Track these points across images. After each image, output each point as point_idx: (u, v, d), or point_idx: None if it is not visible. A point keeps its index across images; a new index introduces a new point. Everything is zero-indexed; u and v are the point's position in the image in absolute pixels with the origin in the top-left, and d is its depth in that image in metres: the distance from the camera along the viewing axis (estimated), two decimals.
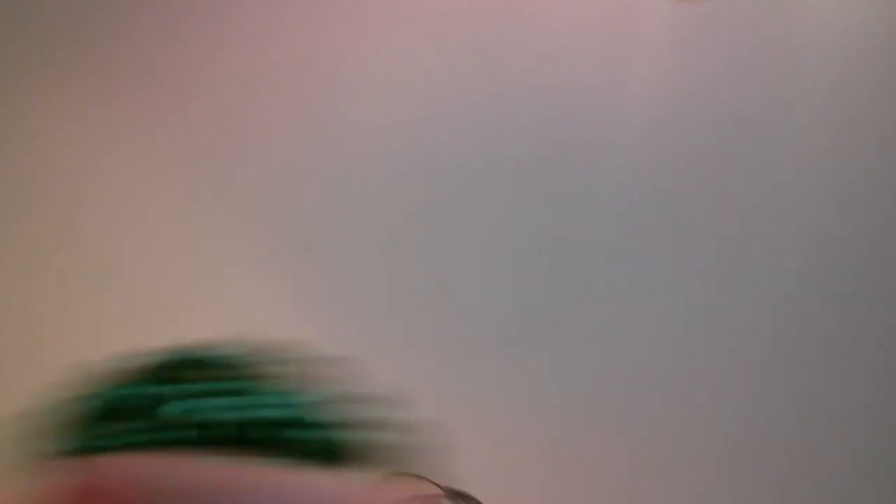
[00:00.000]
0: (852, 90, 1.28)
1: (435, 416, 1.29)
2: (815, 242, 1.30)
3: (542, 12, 1.23)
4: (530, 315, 1.25)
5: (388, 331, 1.24)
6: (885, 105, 1.29)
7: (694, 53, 1.25)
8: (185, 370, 0.40)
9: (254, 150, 1.21)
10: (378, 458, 0.39)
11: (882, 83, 1.29)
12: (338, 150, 1.22)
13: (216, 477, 0.35)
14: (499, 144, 1.23)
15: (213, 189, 1.21)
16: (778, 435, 1.21)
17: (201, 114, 1.20)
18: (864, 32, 1.28)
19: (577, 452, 1.29)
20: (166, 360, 0.40)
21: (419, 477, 0.38)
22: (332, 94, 1.22)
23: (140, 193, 1.20)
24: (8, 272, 1.20)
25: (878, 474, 1.19)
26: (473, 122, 1.23)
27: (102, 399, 0.40)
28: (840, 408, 1.21)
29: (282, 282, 1.22)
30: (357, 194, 1.22)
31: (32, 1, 1.19)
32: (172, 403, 0.38)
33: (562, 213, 1.19)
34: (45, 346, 1.20)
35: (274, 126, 1.21)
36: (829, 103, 1.28)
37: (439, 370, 1.25)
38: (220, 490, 0.34)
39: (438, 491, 0.35)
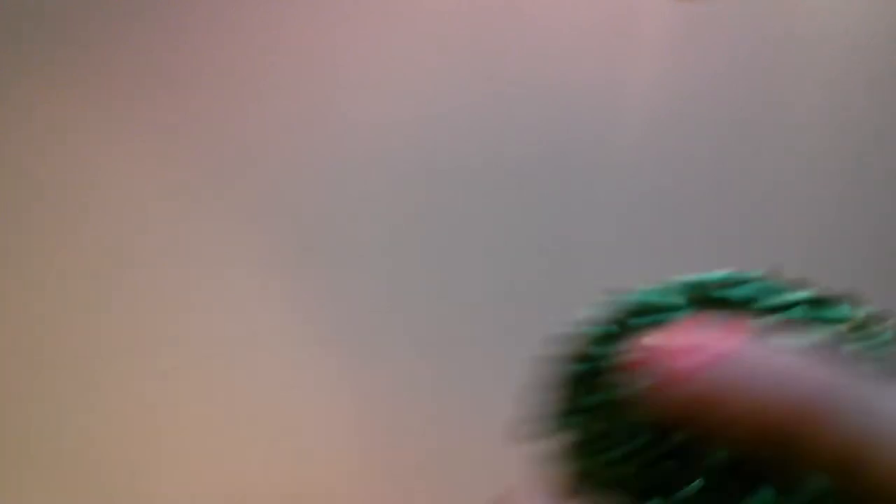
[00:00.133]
0: (852, 90, 1.28)
1: (434, 417, 1.29)
2: (815, 242, 1.30)
3: (542, 12, 1.23)
4: (530, 315, 1.25)
5: (388, 331, 1.24)
6: (885, 105, 1.29)
7: (694, 53, 1.25)
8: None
9: (254, 150, 1.21)
10: None
11: (882, 83, 1.29)
12: (338, 150, 1.22)
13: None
14: (499, 144, 1.23)
15: (213, 189, 1.21)
16: None
17: (201, 114, 1.20)
18: (864, 32, 1.28)
19: None
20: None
21: None
22: (332, 94, 1.22)
23: (139, 193, 1.20)
24: (8, 272, 1.20)
25: None
26: (473, 122, 1.23)
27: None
28: None
29: (282, 282, 1.22)
30: (357, 194, 1.22)
31: (32, 1, 1.19)
32: None
33: (562, 213, 1.19)
34: (45, 346, 1.20)
35: (274, 126, 1.21)
36: (829, 103, 1.28)
37: (439, 370, 1.25)
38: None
39: None
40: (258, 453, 1.23)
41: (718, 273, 0.32)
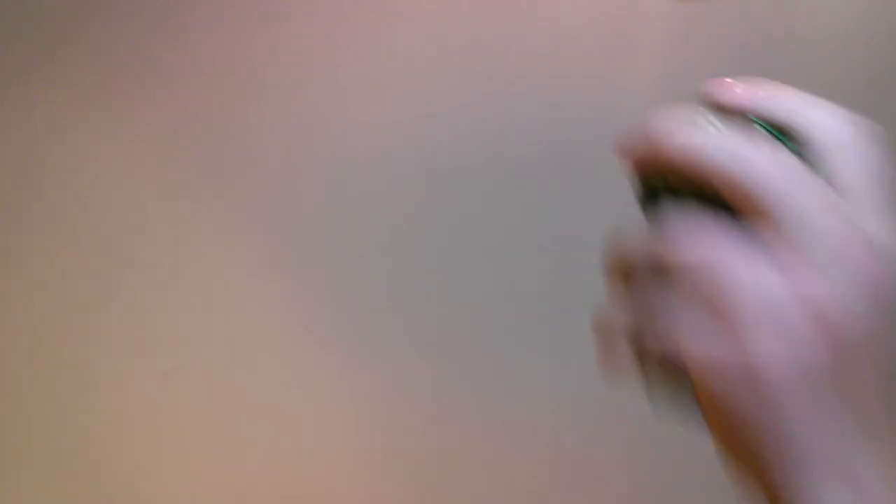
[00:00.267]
0: (852, 90, 1.28)
1: (433, 417, 1.29)
2: None
3: (542, 12, 1.23)
4: (530, 315, 1.26)
5: (388, 331, 1.24)
6: (885, 105, 1.29)
7: (694, 53, 1.25)
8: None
9: (254, 150, 1.21)
10: None
11: (882, 83, 1.29)
12: (338, 150, 1.22)
13: None
14: (499, 144, 1.23)
15: (213, 189, 1.21)
16: None
17: (201, 114, 1.20)
18: (864, 32, 1.28)
19: (576, 452, 1.29)
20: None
21: None
22: (332, 94, 1.22)
23: (139, 193, 1.20)
24: (8, 272, 1.20)
25: None
26: (473, 122, 1.23)
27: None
28: None
29: (282, 282, 1.22)
30: (357, 194, 1.22)
31: (32, 1, 1.19)
32: None
33: (562, 213, 1.19)
34: (45, 346, 1.20)
35: (274, 126, 1.21)
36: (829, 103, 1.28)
37: (439, 370, 1.25)
38: None
39: None
40: (258, 453, 1.23)
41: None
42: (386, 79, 1.22)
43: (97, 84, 1.20)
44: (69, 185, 1.20)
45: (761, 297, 0.30)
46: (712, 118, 0.37)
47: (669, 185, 0.38)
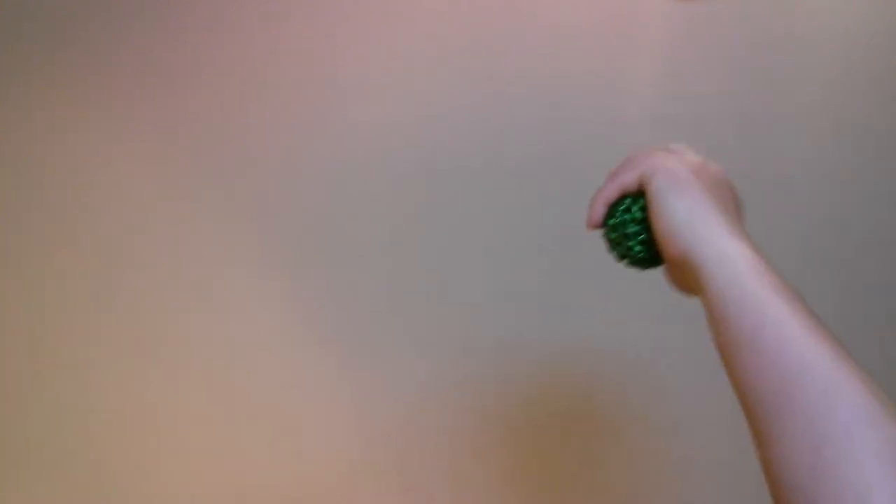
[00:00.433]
0: (852, 90, 1.28)
1: (432, 417, 1.29)
2: (815, 242, 1.30)
3: (542, 12, 1.23)
4: (530, 315, 1.26)
5: (388, 331, 1.24)
6: (885, 105, 1.29)
7: (694, 53, 1.25)
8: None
9: (254, 149, 1.21)
10: None
11: (882, 83, 1.29)
12: (338, 150, 1.22)
13: None
14: (499, 144, 1.23)
15: (213, 189, 1.21)
16: None
17: (201, 114, 1.20)
18: (864, 32, 1.28)
19: (575, 452, 1.29)
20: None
21: None
22: (332, 94, 1.22)
23: (139, 193, 1.20)
24: (8, 272, 1.20)
25: None
26: (473, 122, 1.23)
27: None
28: None
29: (282, 282, 1.22)
30: (357, 194, 1.22)
31: (32, 1, 1.19)
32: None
33: (562, 213, 1.19)
34: (45, 346, 1.20)
35: (274, 126, 1.21)
36: (829, 103, 1.28)
37: (438, 370, 1.25)
38: None
39: None
40: (258, 453, 1.23)
41: None
42: (386, 79, 1.22)
43: (97, 84, 1.20)
44: (69, 185, 1.20)
45: (674, 155, 0.68)
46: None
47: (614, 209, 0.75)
